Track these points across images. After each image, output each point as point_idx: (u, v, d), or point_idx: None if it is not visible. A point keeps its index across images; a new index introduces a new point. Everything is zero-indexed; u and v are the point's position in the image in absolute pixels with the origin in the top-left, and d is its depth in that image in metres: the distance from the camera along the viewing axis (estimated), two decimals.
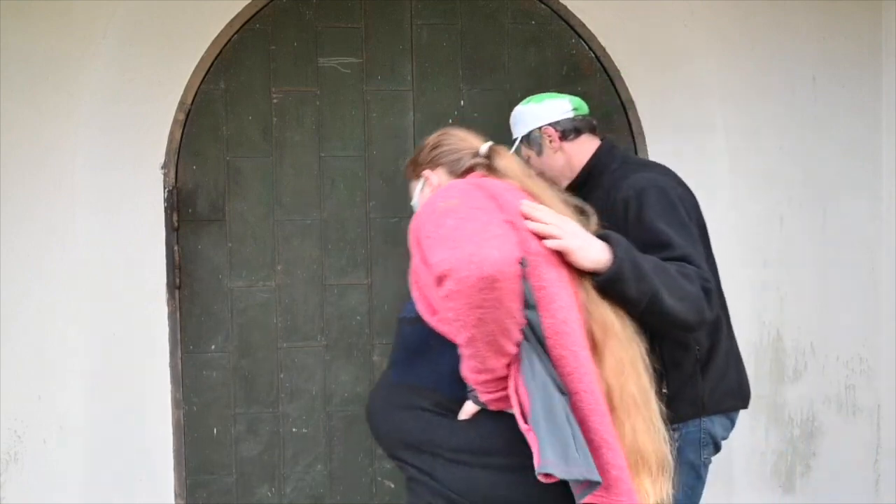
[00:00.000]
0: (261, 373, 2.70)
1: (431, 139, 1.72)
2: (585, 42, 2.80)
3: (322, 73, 2.70)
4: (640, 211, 1.71)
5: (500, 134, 2.74)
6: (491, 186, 1.47)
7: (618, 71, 2.79)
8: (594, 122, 2.01)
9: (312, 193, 2.71)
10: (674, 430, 1.74)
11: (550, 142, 1.96)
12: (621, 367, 1.38)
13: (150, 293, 2.63)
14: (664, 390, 1.74)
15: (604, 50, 2.80)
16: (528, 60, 2.78)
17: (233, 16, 2.64)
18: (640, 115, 2.79)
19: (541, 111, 1.98)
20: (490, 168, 1.60)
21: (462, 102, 2.76)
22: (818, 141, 2.87)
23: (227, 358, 2.70)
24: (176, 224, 2.65)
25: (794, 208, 2.87)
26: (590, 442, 1.32)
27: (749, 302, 2.80)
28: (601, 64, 2.81)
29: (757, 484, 2.87)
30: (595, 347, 1.39)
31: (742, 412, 2.01)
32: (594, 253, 1.47)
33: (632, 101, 2.79)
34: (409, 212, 2.72)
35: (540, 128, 1.97)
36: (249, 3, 2.65)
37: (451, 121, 2.75)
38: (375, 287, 2.74)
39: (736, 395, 1.91)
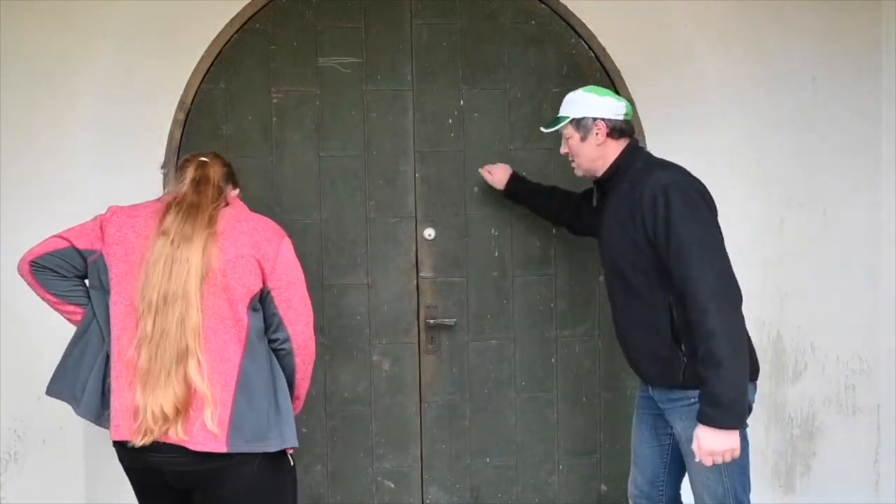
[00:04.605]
0: None
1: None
2: (585, 42, 2.80)
3: (322, 72, 2.70)
4: (668, 209, 1.95)
5: (499, 133, 2.77)
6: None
7: (618, 71, 2.80)
8: (633, 128, 2.24)
9: (312, 193, 2.71)
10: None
11: (597, 134, 2.14)
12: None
13: None
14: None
15: (604, 50, 2.80)
16: (528, 60, 2.78)
17: (233, 16, 2.64)
18: (640, 114, 2.79)
19: (600, 104, 2.15)
20: None
21: (462, 102, 2.76)
22: (818, 141, 2.87)
23: None
24: None
25: (794, 208, 2.87)
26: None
27: (749, 302, 2.78)
28: (601, 64, 2.81)
29: (757, 484, 2.86)
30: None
31: None
32: (731, 437, 1.90)
33: (631, 101, 2.79)
34: (409, 212, 2.74)
35: (594, 118, 2.14)
36: (249, 3, 2.65)
37: (450, 121, 2.75)
38: (375, 287, 2.74)
39: (752, 367, 2.07)
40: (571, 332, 2.83)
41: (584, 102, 2.16)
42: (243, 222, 1.84)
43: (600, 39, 2.80)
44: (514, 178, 2.65)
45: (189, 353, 1.70)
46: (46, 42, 2.55)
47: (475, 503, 2.82)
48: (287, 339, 1.85)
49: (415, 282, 2.76)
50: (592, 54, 2.81)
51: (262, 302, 1.83)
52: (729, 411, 1.87)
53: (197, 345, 1.71)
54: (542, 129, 2.29)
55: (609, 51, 2.79)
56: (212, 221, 1.79)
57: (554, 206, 2.60)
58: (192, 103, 2.65)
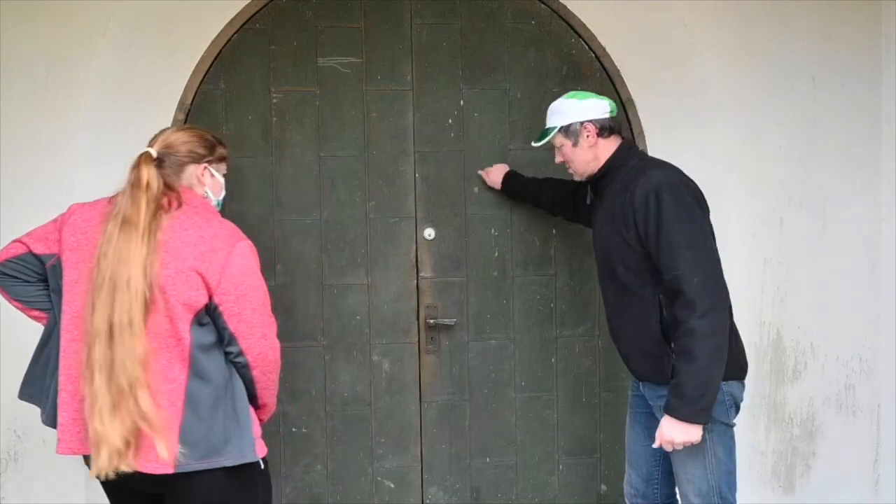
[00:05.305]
0: None
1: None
2: (585, 42, 2.80)
3: (322, 72, 2.70)
4: (659, 209, 1.98)
5: (499, 133, 2.77)
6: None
7: (618, 71, 2.80)
8: (620, 124, 2.27)
9: (312, 193, 2.71)
10: None
11: (587, 136, 2.16)
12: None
13: None
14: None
15: (604, 50, 2.80)
16: (528, 60, 2.78)
17: (233, 16, 2.64)
18: (639, 114, 2.80)
19: (584, 107, 2.18)
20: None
21: (462, 102, 2.76)
22: (818, 141, 2.87)
23: None
24: None
25: (794, 208, 2.87)
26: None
27: (749, 302, 2.80)
28: (601, 64, 2.81)
29: (757, 484, 2.87)
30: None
31: (742, 412, 2.18)
32: (692, 430, 1.95)
33: (631, 101, 2.80)
34: (409, 212, 2.74)
35: (582, 122, 2.17)
36: (249, 3, 2.65)
37: (450, 121, 2.75)
38: (375, 287, 2.74)
39: (739, 365, 2.12)
40: (571, 332, 2.84)
41: (568, 109, 2.19)
42: (189, 230, 1.71)
43: (600, 39, 2.80)
44: (510, 176, 2.69)
45: (138, 384, 1.63)
46: (46, 42, 2.55)
47: (475, 503, 2.82)
48: (241, 353, 1.76)
49: (415, 282, 2.76)
50: (592, 54, 2.81)
51: (212, 315, 1.72)
52: (693, 406, 1.92)
53: (145, 374, 1.64)
54: (533, 143, 2.32)
55: (609, 51, 2.79)
56: (150, 235, 1.67)
57: (546, 197, 2.64)
58: (192, 103, 2.65)
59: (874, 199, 2.91)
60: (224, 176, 1.95)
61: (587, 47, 2.80)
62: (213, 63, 2.66)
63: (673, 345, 2.02)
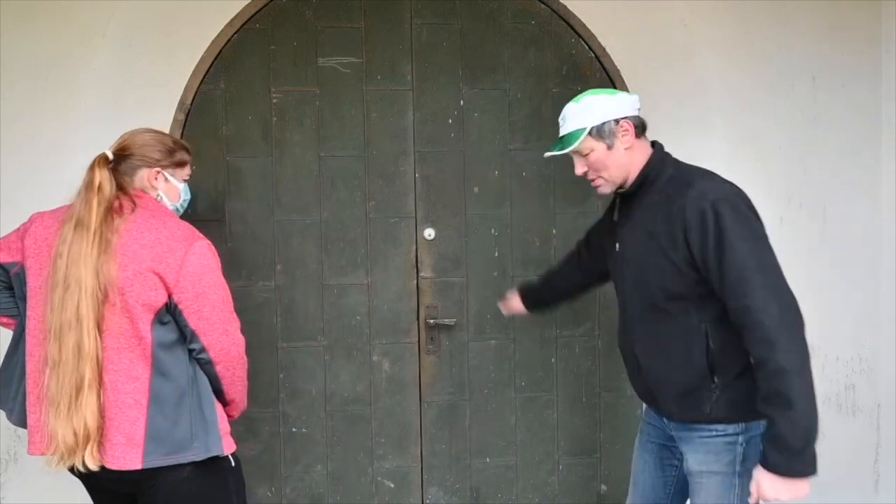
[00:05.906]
0: (260, 373, 2.70)
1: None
2: (585, 42, 2.80)
3: (322, 72, 2.70)
4: (719, 228, 1.72)
5: (499, 133, 2.76)
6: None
7: (618, 71, 2.80)
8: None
9: (312, 193, 2.71)
10: (737, 433, 1.81)
11: (625, 136, 1.87)
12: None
13: None
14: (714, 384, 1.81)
15: (604, 50, 2.80)
16: (528, 60, 2.78)
17: (233, 16, 2.65)
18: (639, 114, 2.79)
19: (616, 103, 1.87)
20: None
21: (462, 102, 2.76)
22: (818, 141, 2.87)
23: None
24: None
25: (793, 208, 2.87)
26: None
27: None
28: (601, 64, 2.81)
29: None
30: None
31: None
32: (801, 486, 1.67)
33: None
34: (409, 212, 2.74)
35: (617, 120, 1.86)
36: (249, 3, 2.65)
37: (450, 121, 2.75)
38: (375, 287, 2.74)
39: None
40: (571, 332, 2.84)
41: (598, 106, 1.87)
42: (146, 233, 1.72)
43: (600, 39, 2.80)
44: (525, 293, 2.47)
45: (87, 383, 1.66)
46: (46, 42, 2.55)
47: (475, 503, 2.82)
48: (203, 350, 1.78)
49: (415, 282, 2.76)
50: (592, 54, 2.81)
51: (173, 314, 1.74)
52: (799, 457, 1.65)
53: (95, 374, 1.67)
54: (549, 153, 1.97)
55: (609, 51, 2.80)
56: (101, 237, 1.69)
57: (571, 275, 2.36)
58: (192, 103, 2.65)
59: (874, 199, 2.91)
60: (186, 181, 1.93)
61: (587, 47, 2.80)
62: (213, 63, 2.66)
63: (717, 378, 1.80)
